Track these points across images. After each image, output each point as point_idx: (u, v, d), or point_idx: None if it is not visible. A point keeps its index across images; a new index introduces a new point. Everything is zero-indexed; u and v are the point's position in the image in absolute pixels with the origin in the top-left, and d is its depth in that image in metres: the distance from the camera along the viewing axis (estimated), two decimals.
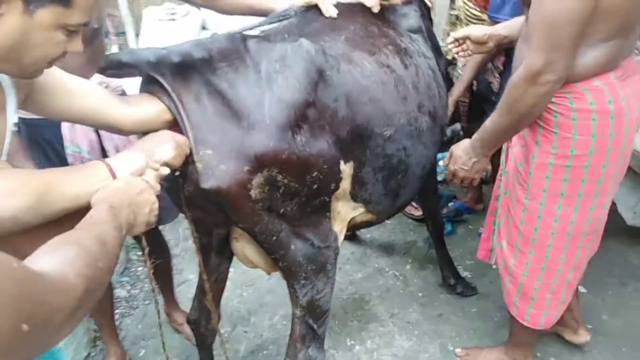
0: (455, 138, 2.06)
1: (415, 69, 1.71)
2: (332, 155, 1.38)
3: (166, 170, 1.10)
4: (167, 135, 1.16)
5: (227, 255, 1.68)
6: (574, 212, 1.56)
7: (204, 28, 4.43)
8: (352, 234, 3.02)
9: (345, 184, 1.48)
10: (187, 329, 2.26)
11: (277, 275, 2.66)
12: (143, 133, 1.27)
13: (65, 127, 1.60)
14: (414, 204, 3.20)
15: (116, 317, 2.44)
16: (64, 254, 0.71)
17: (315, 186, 1.37)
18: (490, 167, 1.73)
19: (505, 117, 1.48)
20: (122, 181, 0.95)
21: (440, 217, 2.55)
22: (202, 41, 1.29)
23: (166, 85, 1.20)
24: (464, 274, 2.66)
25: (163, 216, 1.90)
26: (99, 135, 1.66)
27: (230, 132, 1.23)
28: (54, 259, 0.69)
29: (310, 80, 1.31)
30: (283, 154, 1.27)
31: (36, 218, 0.86)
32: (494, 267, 1.93)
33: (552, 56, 1.31)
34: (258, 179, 1.27)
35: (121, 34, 4.63)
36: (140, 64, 1.18)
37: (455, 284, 2.51)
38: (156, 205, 0.97)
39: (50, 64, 0.94)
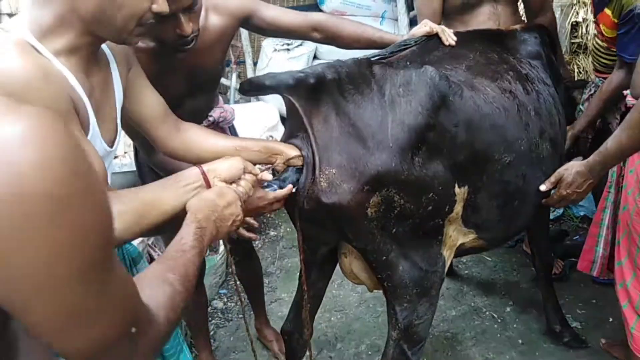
0: None
1: (537, 95, 1.74)
2: (447, 178, 1.43)
3: (268, 176, 1.18)
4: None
5: (326, 274, 1.75)
6: None
7: (315, 57, 4.58)
8: (448, 269, 2.85)
9: (459, 208, 1.51)
10: (275, 347, 2.32)
11: (366, 303, 2.64)
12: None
13: None
14: None
15: (211, 327, 2.52)
16: (158, 294, 0.75)
17: (429, 208, 1.41)
18: None
19: (637, 135, 1.47)
20: (213, 192, 0.99)
21: (550, 255, 2.32)
22: (333, 64, 1.40)
23: (299, 109, 1.32)
24: (574, 324, 2.45)
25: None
26: None
27: (354, 152, 1.32)
28: (151, 298, 0.73)
29: (433, 104, 1.38)
30: (402, 175, 1.33)
31: (135, 235, 0.96)
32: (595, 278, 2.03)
33: None
34: (376, 198, 1.34)
35: (241, 62, 4.96)
36: (280, 87, 1.32)
37: (562, 331, 2.31)
38: (240, 217, 1.01)
39: (140, 25, 1.01)
